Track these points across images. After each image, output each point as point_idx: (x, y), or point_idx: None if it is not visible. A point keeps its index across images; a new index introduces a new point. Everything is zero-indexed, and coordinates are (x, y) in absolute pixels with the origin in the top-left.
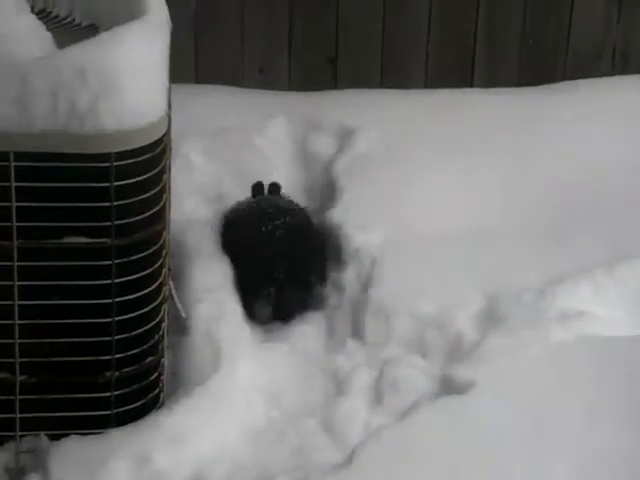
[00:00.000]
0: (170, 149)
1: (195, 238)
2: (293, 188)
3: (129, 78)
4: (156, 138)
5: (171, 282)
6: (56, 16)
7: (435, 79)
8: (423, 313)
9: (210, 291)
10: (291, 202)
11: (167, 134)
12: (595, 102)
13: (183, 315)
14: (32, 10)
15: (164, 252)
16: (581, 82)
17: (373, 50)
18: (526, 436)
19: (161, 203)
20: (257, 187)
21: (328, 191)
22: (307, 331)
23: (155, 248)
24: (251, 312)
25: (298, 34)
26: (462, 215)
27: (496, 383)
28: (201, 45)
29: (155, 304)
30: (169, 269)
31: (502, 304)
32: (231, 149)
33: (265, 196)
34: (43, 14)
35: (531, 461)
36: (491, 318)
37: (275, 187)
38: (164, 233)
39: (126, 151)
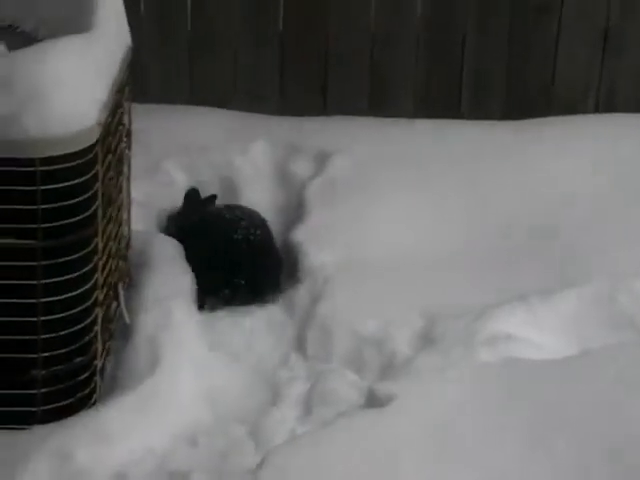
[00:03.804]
0: (128, 160)
1: (160, 249)
2: (267, 207)
3: (55, 87)
4: (85, 146)
5: (121, 289)
6: (22, 32)
7: (422, 110)
8: (364, 331)
9: (161, 300)
10: (254, 214)
11: (103, 143)
12: (566, 137)
13: (127, 321)
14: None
15: (95, 257)
16: (559, 119)
17: (362, 80)
18: (430, 451)
19: (91, 209)
20: (192, 193)
21: (298, 211)
22: (253, 342)
23: (84, 252)
24: (201, 302)
25: (290, 61)
26: (418, 241)
27: (414, 399)
28: (195, 68)
29: (85, 306)
30: (129, 278)
31: (439, 325)
32: (211, 167)
33: (233, 205)
34: (10, 29)
35: (432, 476)
36: (426, 338)
37: (213, 198)
38: (95, 239)
39: (52, 157)
